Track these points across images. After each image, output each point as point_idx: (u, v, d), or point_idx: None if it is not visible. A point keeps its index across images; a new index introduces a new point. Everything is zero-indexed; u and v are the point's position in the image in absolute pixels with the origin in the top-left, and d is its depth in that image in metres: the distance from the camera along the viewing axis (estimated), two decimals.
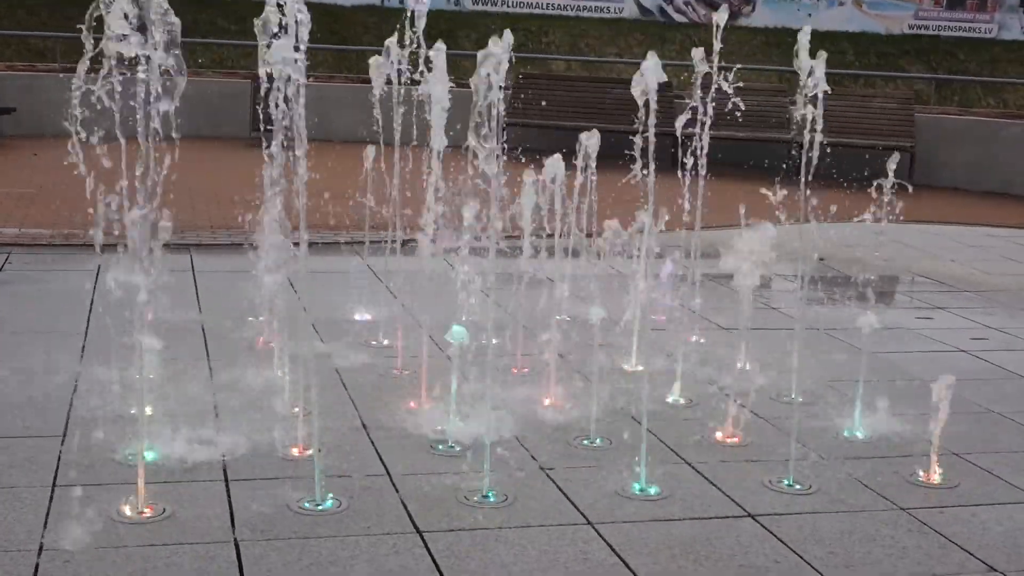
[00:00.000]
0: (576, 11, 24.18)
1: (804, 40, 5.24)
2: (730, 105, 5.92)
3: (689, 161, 6.32)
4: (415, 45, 5.56)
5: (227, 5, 22.53)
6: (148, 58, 3.84)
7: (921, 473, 4.70)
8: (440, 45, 5.16)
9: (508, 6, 23.60)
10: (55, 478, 4.29)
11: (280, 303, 5.44)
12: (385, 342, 6.30)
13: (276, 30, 4.02)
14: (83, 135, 3.78)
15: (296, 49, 4.03)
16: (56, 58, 17.41)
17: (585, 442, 4.93)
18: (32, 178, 11.66)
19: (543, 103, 14.68)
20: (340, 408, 5.24)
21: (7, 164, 12.83)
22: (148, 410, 4.78)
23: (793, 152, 13.35)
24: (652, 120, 4.94)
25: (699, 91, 6.20)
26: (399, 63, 6.03)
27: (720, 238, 6.18)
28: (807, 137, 5.41)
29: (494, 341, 4.85)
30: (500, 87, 4.57)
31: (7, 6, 21.14)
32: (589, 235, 6.05)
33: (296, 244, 4.38)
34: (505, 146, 5.96)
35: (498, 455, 4.56)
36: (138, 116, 4.01)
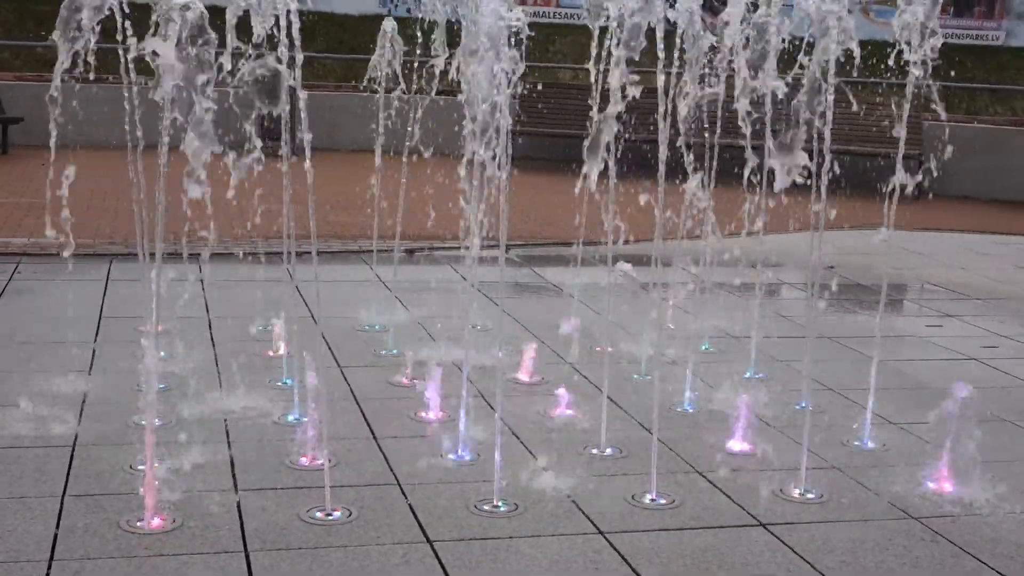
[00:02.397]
0: (583, 20, 24.20)
1: None
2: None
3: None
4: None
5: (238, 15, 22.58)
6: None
7: (932, 482, 4.68)
8: None
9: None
10: (65, 488, 4.29)
11: (289, 312, 5.45)
12: (394, 351, 6.30)
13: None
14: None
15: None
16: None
17: (595, 451, 4.92)
18: (41, 188, 11.68)
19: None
20: (349, 417, 5.23)
21: (16, 174, 12.86)
22: (157, 420, 4.78)
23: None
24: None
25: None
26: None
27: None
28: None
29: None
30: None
31: (16, 16, 21.22)
32: None
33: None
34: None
35: (508, 463, 4.55)
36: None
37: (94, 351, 6.07)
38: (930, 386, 6.15)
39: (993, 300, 8.55)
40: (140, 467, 4.40)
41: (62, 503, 4.15)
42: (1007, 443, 5.31)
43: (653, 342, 5.86)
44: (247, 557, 3.80)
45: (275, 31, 4.50)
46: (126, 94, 5.35)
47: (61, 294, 7.39)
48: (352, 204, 10.18)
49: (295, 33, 4.31)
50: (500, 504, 4.27)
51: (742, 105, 4.48)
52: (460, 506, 4.27)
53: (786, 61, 5.37)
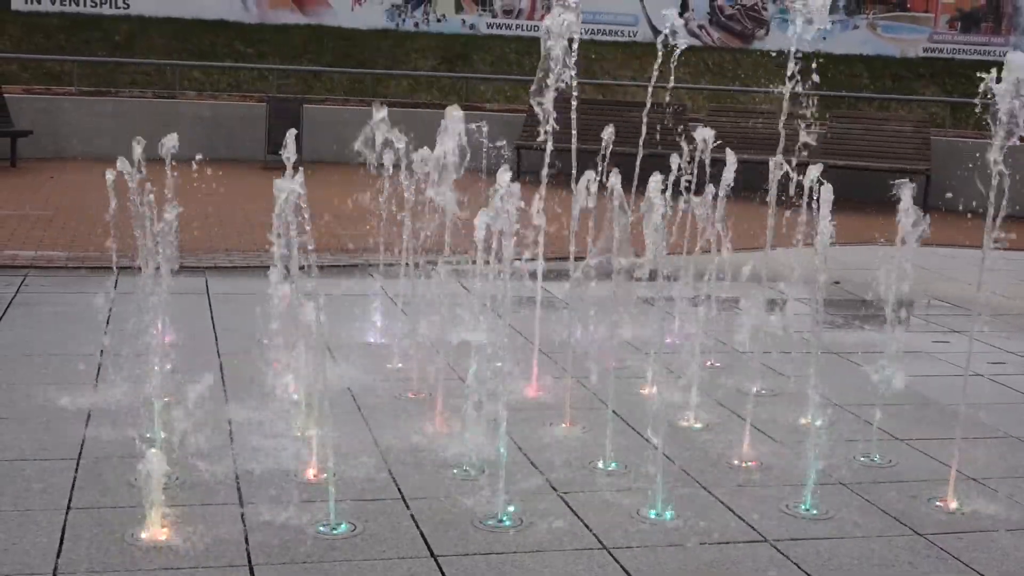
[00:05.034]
0: (590, 34, 24.23)
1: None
2: None
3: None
4: None
5: (245, 29, 22.66)
6: None
7: (939, 498, 4.67)
8: None
9: (522, 30, 23.65)
10: (69, 501, 4.29)
11: (295, 326, 5.44)
12: (399, 365, 6.29)
13: None
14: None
15: None
16: (73, 82, 17.51)
17: (600, 465, 4.91)
18: (49, 200, 11.71)
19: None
20: (354, 431, 5.23)
21: (24, 186, 12.89)
22: (162, 433, 4.79)
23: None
24: None
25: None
26: None
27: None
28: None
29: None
30: None
31: (25, 30, 21.30)
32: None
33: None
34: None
35: (513, 478, 4.55)
36: None
37: (99, 364, 6.08)
38: (937, 402, 6.13)
39: (1001, 316, 8.53)
40: (145, 480, 4.39)
41: (67, 516, 4.15)
42: (1014, 459, 5.29)
43: (658, 357, 5.86)
44: (251, 571, 3.79)
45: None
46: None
47: (67, 306, 7.40)
48: (359, 217, 10.19)
49: None
50: (505, 519, 4.26)
51: None
52: (465, 521, 4.26)
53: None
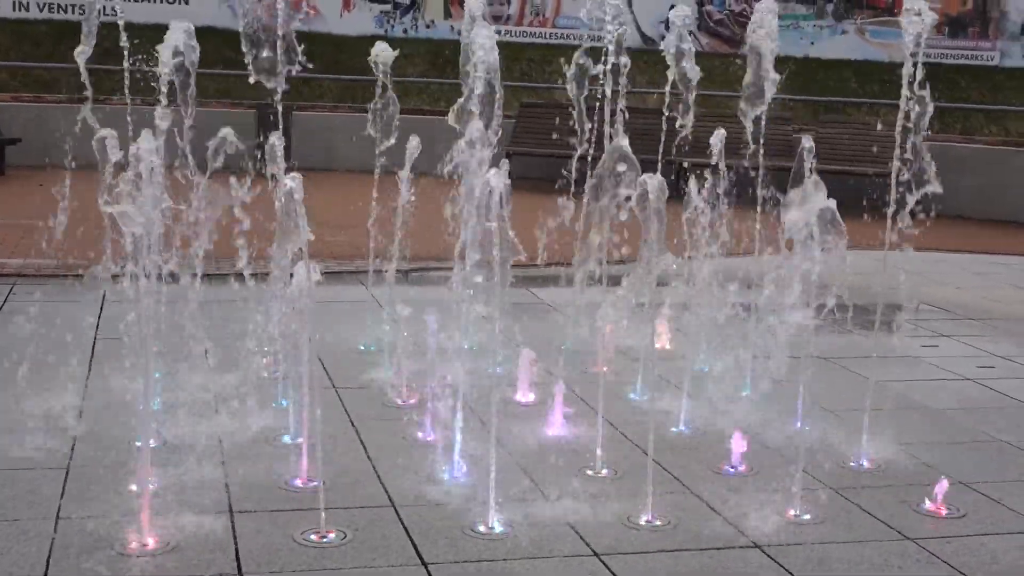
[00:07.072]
0: (579, 40, 24.28)
1: None
2: None
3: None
4: None
5: (233, 35, 22.66)
6: None
7: (929, 502, 4.67)
8: None
9: (511, 36, 23.66)
10: (59, 510, 4.27)
11: (285, 333, 5.44)
12: (390, 371, 6.28)
13: None
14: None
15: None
16: (62, 89, 17.47)
17: (590, 472, 4.91)
18: (40, 209, 11.67)
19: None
20: (344, 439, 5.22)
21: (12, 195, 12.86)
22: (152, 441, 4.77)
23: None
24: None
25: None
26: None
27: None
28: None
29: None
30: None
31: (14, 38, 21.26)
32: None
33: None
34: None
35: (503, 485, 4.55)
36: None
37: (89, 372, 6.06)
38: (926, 406, 6.14)
39: (989, 320, 8.55)
40: (134, 489, 4.39)
41: (56, 525, 4.14)
42: (1003, 463, 5.30)
43: (648, 362, 5.86)
44: None
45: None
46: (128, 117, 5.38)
47: (56, 315, 7.37)
48: (348, 224, 10.18)
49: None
50: (495, 526, 4.26)
51: None
52: (455, 528, 4.26)
53: None
